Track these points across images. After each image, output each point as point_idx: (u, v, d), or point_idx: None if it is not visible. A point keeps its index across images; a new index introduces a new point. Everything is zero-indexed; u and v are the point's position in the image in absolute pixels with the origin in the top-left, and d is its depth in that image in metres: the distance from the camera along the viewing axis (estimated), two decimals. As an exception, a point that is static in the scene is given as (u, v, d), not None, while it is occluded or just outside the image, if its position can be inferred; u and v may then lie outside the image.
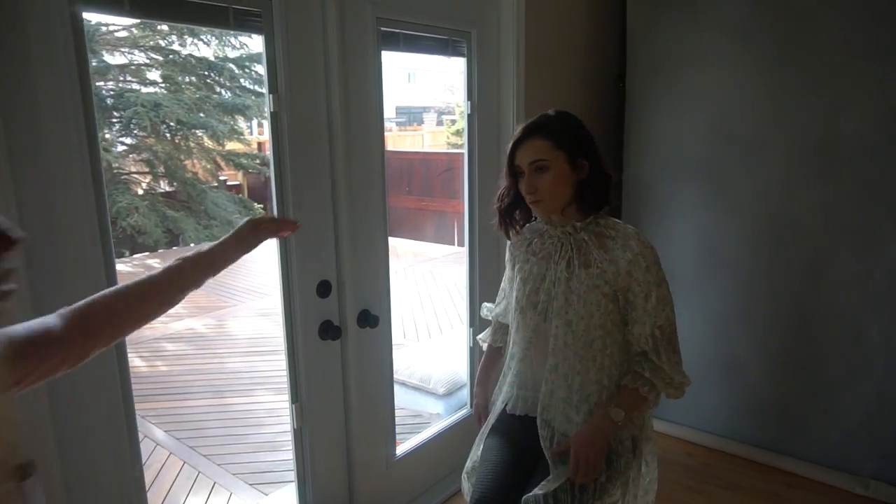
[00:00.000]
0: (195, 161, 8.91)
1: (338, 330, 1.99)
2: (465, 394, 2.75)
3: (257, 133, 13.71)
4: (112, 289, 0.99)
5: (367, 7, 1.95)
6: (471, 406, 1.95)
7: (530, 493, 1.39)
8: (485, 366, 1.84)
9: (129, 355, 1.53)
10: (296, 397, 1.96)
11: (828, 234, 2.50)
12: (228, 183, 10.30)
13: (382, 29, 2.04)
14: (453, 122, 15.65)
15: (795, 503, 2.46)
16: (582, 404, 1.50)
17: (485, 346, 1.87)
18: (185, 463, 2.97)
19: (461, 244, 8.97)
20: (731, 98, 2.65)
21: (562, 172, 1.44)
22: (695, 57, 2.71)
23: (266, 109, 1.78)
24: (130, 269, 7.51)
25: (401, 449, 2.38)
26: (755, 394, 2.76)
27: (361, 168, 2.01)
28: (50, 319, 0.89)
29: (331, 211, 1.95)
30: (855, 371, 2.49)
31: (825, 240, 2.51)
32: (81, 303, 0.94)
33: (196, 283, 1.09)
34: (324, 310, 1.98)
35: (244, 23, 1.68)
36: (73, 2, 1.33)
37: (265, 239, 1.22)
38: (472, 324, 2.62)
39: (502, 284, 1.82)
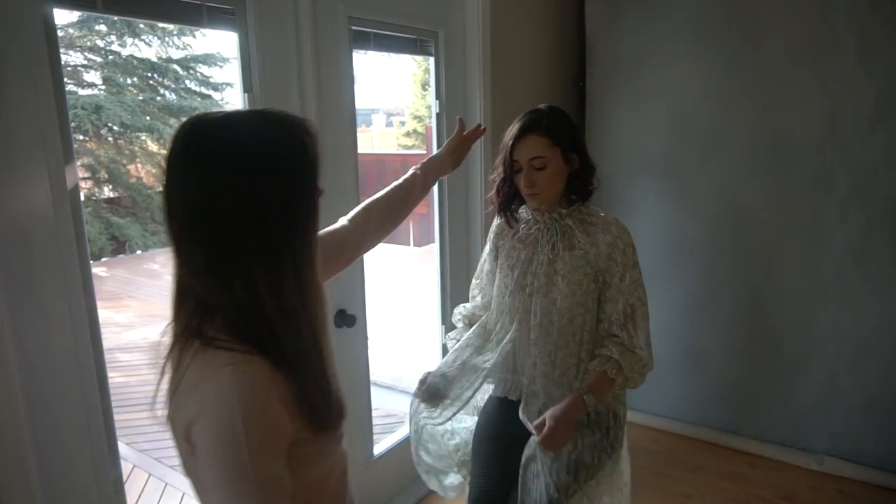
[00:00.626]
0: (139, 165, 8.62)
1: (316, 331, 1.97)
2: (438, 391, 2.77)
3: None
4: (379, 194, 1.36)
5: (338, 5, 1.95)
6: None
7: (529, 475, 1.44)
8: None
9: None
10: (275, 400, 1.93)
11: (780, 225, 2.64)
12: (175, 187, 10.00)
13: (353, 28, 2.04)
14: (403, 123, 15.62)
15: (756, 482, 2.58)
16: (562, 378, 1.57)
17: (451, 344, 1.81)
18: (150, 475, 2.87)
19: (418, 244, 8.99)
20: (688, 97, 2.76)
21: (558, 168, 1.50)
22: (652, 57, 2.81)
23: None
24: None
25: (378, 448, 2.37)
26: (716, 380, 2.88)
27: (336, 167, 2.00)
28: (338, 223, 1.27)
29: (306, 211, 1.94)
30: (808, 355, 2.63)
31: (778, 231, 2.64)
32: (359, 207, 1.33)
33: (426, 190, 1.46)
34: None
35: (217, 20, 1.65)
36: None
37: (466, 150, 1.57)
38: (443, 321, 2.64)
39: (475, 280, 1.84)
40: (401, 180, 1.41)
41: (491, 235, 1.74)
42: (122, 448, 3.14)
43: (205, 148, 0.77)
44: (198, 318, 0.79)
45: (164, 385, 0.81)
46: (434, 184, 1.51)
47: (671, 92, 2.80)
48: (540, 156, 1.49)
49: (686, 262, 2.87)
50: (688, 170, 2.81)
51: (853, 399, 2.56)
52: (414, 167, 1.44)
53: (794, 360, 2.67)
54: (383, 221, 1.34)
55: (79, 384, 1.39)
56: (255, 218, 0.77)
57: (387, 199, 1.36)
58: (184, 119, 0.81)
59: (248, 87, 1.74)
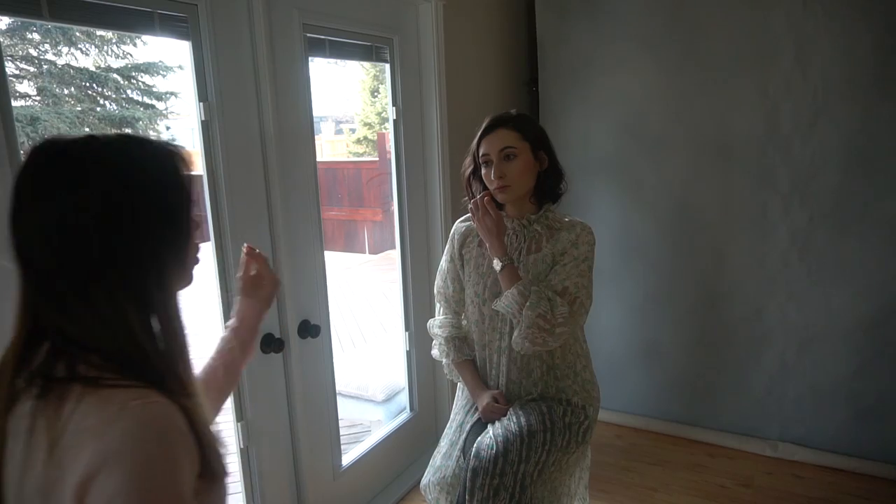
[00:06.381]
0: (79, 179, 8.29)
1: (280, 342, 1.94)
2: (403, 398, 2.76)
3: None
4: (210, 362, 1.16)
5: (292, 13, 1.93)
6: (476, 409, 1.73)
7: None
8: (470, 377, 1.69)
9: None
10: (241, 415, 1.89)
11: (727, 222, 2.74)
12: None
13: (308, 35, 2.02)
14: (353, 130, 15.50)
15: (716, 471, 2.67)
16: (525, 380, 1.60)
17: (448, 360, 1.75)
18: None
19: (373, 252, 8.94)
20: (636, 100, 2.84)
21: (528, 161, 1.52)
22: (601, 62, 2.88)
23: (196, 118, 1.71)
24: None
25: (346, 459, 2.34)
26: (674, 374, 2.96)
27: (295, 176, 1.98)
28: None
29: (266, 220, 1.90)
30: (759, 345, 2.74)
31: (725, 227, 2.74)
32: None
33: (246, 355, 1.22)
34: (265, 322, 1.91)
35: (170, 28, 1.61)
36: (-13, 5, 1.23)
37: (269, 288, 1.27)
38: (407, 328, 2.63)
39: (440, 294, 1.78)
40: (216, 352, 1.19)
41: (454, 242, 1.72)
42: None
43: (67, 171, 0.68)
44: (64, 361, 0.68)
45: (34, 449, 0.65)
46: (251, 345, 1.25)
47: (621, 95, 2.87)
48: (511, 146, 1.50)
49: (640, 260, 2.94)
50: (639, 171, 2.88)
51: (802, 386, 2.67)
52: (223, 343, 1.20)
53: (746, 351, 2.77)
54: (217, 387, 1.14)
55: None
56: (122, 249, 0.69)
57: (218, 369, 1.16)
58: (127, 129, 0.74)
59: (203, 97, 1.70)
